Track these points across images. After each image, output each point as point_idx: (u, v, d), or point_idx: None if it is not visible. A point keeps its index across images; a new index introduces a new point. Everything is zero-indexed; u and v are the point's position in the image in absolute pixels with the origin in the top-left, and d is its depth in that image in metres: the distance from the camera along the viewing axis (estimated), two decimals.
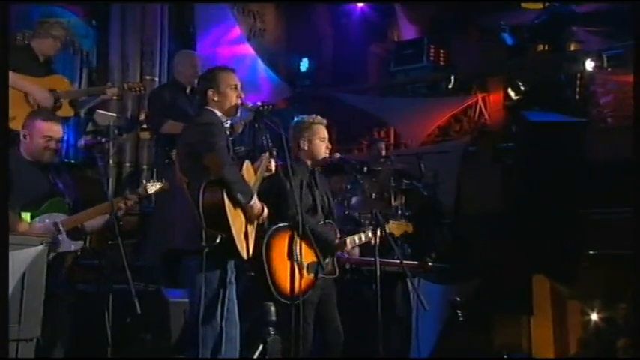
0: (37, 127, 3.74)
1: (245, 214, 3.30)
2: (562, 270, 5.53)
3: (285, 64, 9.60)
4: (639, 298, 3.68)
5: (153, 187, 3.75)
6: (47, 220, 3.61)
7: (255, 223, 3.42)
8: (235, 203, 3.23)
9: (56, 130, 3.78)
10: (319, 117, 4.05)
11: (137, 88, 5.09)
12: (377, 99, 9.60)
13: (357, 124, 9.36)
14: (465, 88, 8.52)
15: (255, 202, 3.30)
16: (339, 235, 3.93)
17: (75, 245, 3.69)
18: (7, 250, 2.87)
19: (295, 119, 4.12)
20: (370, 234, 3.94)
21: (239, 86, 3.51)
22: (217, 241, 3.07)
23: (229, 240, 3.15)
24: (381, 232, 3.86)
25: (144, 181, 3.84)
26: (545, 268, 5.72)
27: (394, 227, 4.24)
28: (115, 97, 6.28)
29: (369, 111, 9.02)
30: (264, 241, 3.57)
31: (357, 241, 3.96)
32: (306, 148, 3.96)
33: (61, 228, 3.60)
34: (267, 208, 3.45)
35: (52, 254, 3.52)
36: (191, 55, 5.40)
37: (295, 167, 3.84)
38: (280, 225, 3.68)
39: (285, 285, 3.51)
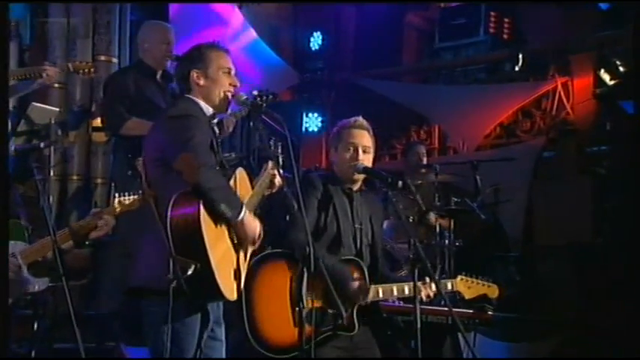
0: None
1: (232, 236, 3.29)
2: None
3: (291, 41, 9.66)
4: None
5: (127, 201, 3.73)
6: None
7: (249, 248, 3.39)
8: (218, 221, 3.21)
9: None
10: (357, 120, 4.08)
11: (86, 70, 5.11)
12: (415, 87, 9.62)
13: (388, 122, 9.37)
14: (538, 71, 8.51)
15: (246, 216, 3.27)
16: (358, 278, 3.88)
17: (40, 284, 3.69)
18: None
19: None
20: (407, 289, 3.88)
21: (233, 71, 3.54)
22: (189, 272, 3.02)
23: (207, 272, 3.09)
24: (427, 283, 3.83)
25: (116, 195, 3.79)
26: None
27: (463, 286, 4.12)
28: (56, 84, 6.38)
29: (405, 103, 9.03)
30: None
31: (381, 294, 3.89)
32: (334, 159, 4.06)
33: (20, 261, 3.61)
34: (266, 231, 3.44)
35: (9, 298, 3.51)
36: (162, 27, 5.45)
37: (327, 183, 3.93)
38: (274, 251, 3.69)
39: (270, 333, 3.54)
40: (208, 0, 8.37)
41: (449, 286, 4.09)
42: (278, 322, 3.58)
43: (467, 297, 4.18)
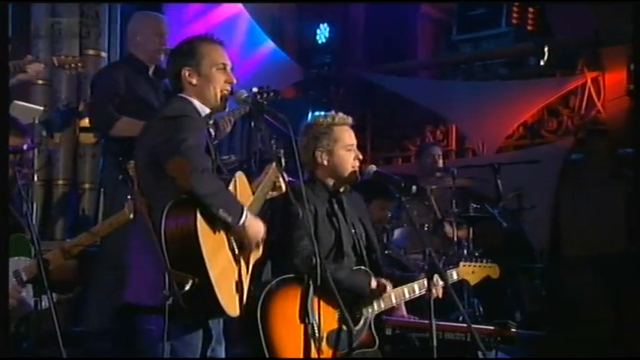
0: None
1: (232, 246, 3.30)
2: None
3: (295, 34, 9.68)
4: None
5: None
6: None
7: (252, 258, 3.39)
8: (216, 231, 3.21)
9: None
10: (341, 115, 4.11)
11: (72, 65, 5.13)
12: (431, 83, 9.63)
13: (401, 121, 9.38)
14: (565, 66, 8.49)
15: (248, 219, 3.25)
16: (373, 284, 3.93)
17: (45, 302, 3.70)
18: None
19: (306, 121, 4.18)
20: (417, 288, 3.97)
21: (229, 67, 3.53)
22: (187, 287, 3.03)
23: (206, 287, 3.09)
24: (434, 281, 3.84)
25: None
26: None
27: (466, 271, 4.27)
28: (40, 80, 6.40)
29: (420, 101, 9.04)
30: (260, 299, 3.58)
31: (394, 299, 3.97)
32: (325, 162, 4.03)
33: (24, 277, 3.62)
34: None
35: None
36: (154, 19, 5.46)
37: (311, 190, 3.90)
38: (285, 277, 3.72)
39: None
40: (208, 0, 8.40)
41: (454, 276, 4.25)
42: (298, 348, 3.51)
43: (472, 283, 4.38)
